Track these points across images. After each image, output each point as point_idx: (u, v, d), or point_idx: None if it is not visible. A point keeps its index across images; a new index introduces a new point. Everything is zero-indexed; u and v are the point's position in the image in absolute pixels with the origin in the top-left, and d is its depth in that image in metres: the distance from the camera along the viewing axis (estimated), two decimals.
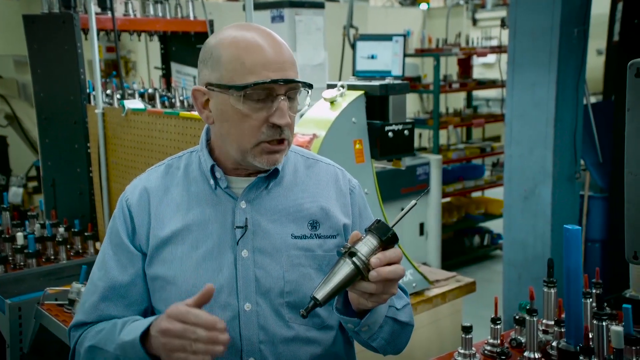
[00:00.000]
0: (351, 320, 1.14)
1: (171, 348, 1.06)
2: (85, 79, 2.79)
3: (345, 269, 1.04)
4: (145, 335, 1.12)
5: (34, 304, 2.10)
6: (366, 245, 1.04)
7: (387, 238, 1.05)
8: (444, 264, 4.78)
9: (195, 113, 2.26)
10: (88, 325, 1.27)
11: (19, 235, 2.44)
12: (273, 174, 1.25)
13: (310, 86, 1.21)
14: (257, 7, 3.91)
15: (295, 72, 1.19)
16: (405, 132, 2.20)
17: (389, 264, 1.05)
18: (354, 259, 1.03)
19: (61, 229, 2.56)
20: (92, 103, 2.76)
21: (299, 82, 1.18)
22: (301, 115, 2.26)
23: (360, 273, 1.03)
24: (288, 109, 1.17)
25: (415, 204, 1.07)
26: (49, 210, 2.89)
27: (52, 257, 2.47)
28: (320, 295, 1.03)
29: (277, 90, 1.15)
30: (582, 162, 3.43)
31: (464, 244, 5.41)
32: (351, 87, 2.22)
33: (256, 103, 1.15)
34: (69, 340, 1.30)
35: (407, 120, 2.24)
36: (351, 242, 1.06)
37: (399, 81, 2.27)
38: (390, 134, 2.16)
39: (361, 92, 2.19)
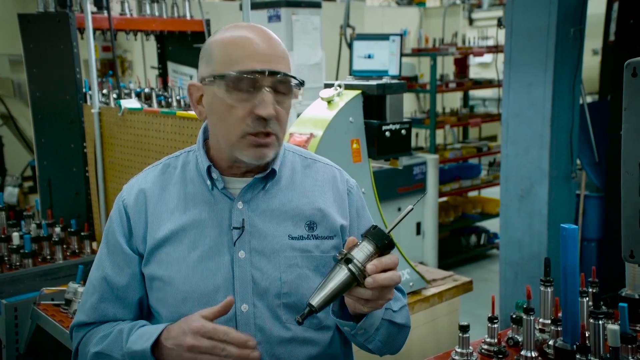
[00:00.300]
0: (347, 324, 1.15)
1: None
2: (81, 78, 2.78)
3: (341, 275, 1.03)
4: (154, 344, 1.13)
5: (30, 304, 2.09)
6: (362, 252, 1.04)
7: (383, 244, 1.05)
8: (441, 263, 4.79)
9: (192, 112, 2.26)
10: (91, 326, 1.27)
11: (15, 235, 2.43)
12: (270, 175, 1.24)
13: (299, 81, 1.19)
14: (254, 6, 3.90)
15: (286, 66, 1.18)
16: (403, 131, 2.20)
17: (385, 270, 1.05)
18: (350, 265, 1.03)
19: (57, 229, 2.55)
20: (89, 102, 2.75)
21: (284, 74, 1.16)
22: (298, 115, 2.25)
23: (356, 279, 1.03)
24: (276, 103, 1.16)
25: (412, 209, 1.07)
26: (45, 210, 2.88)
27: (49, 257, 2.46)
28: (316, 301, 1.03)
29: (262, 82, 1.15)
30: (578, 161, 3.44)
31: (460, 243, 5.42)
32: (348, 87, 2.21)
33: (242, 94, 1.15)
34: (71, 339, 1.30)
35: (405, 120, 2.24)
36: (347, 248, 1.06)
37: (396, 81, 2.27)
38: (387, 133, 2.16)
39: (358, 91, 2.19)
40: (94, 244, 2.65)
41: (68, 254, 2.53)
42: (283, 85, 1.17)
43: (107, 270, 1.25)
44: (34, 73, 2.99)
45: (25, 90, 3.24)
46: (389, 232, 1.06)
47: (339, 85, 2.19)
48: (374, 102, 2.22)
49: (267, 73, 1.14)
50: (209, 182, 1.24)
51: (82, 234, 2.55)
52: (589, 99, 3.48)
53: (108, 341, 1.21)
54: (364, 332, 1.16)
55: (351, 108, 2.15)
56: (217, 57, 1.17)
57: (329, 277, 1.04)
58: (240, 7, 2.26)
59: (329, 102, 2.16)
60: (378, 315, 1.17)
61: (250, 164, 1.20)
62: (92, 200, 2.77)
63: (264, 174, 1.24)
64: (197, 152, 1.28)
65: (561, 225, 1.38)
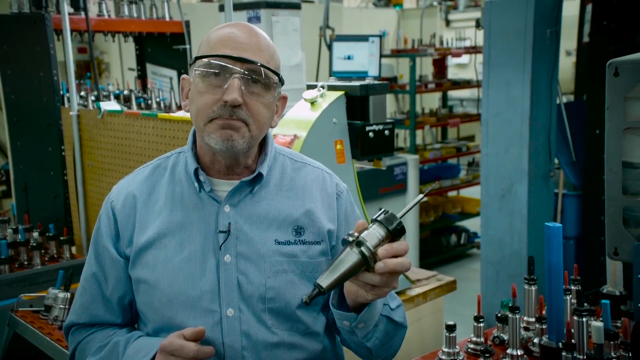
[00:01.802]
0: (348, 316, 1.11)
1: None
2: (58, 80, 2.73)
3: (351, 258, 0.99)
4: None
5: (8, 311, 2.04)
6: (373, 235, 1.01)
7: (395, 229, 1.01)
8: (422, 263, 4.82)
9: (173, 114, 2.23)
10: (86, 329, 1.28)
11: None
12: (257, 179, 1.23)
13: (275, 73, 1.18)
14: (234, 7, 3.87)
15: (265, 59, 1.16)
16: (386, 132, 2.21)
17: (395, 257, 1.01)
18: (362, 248, 0.99)
19: (35, 234, 2.50)
20: (66, 105, 2.70)
21: (254, 62, 1.15)
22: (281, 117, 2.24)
23: (366, 263, 1.00)
24: (250, 95, 1.14)
25: (424, 197, 1.06)
26: (22, 214, 2.81)
27: (26, 263, 2.41)
28: (325, 283, 0.99)
29: (233, 68, 1.14)
30: (556, 160, 3.49)
31: (441, 243, 5.46)
32: (331, 88, 2.21)
33: (212, 79, 1.15)
34: (67, 340, 1.32)
35: (387, 121, 2.24)
36: (357, 231, 1.02)
37: (378, 81, 2.28)
38: (370, 134, 2.17)
39: (341, 92, 2.19)
40: (74, 249, 2.61)
41: (47, 259, 2.48)
42: (259, 77, 1.15)
43: (94, 271, 1.26)
44: (8, 75, 2.93)
45: None
46: (400, 217, 1.03)
47: (322, 87, 2.18)
48: (357, 103, 2.22)
49: (236, 59, 1.13)
50: (196, 185, 1.22)
51: (61, 238, 2.50)
52: (564, 99, 3.54)
53: (104, 353, 1.21)
54: (364, 326, 1.13)
55: (334, 109, 2.15)
56: (200, 48, 1.20)
57: (338, 258, 1.00)
58: (220, 9, 2.25)
59: (312, 103, 2.16)
60: (378, 308, 1.14)
61: (221, 151, 1.17)
62: (71, 204, 2.72)
63: (251, 177, 1.22)
64: (186, 154, 1.26)
65: (545, 224, 1.39)
